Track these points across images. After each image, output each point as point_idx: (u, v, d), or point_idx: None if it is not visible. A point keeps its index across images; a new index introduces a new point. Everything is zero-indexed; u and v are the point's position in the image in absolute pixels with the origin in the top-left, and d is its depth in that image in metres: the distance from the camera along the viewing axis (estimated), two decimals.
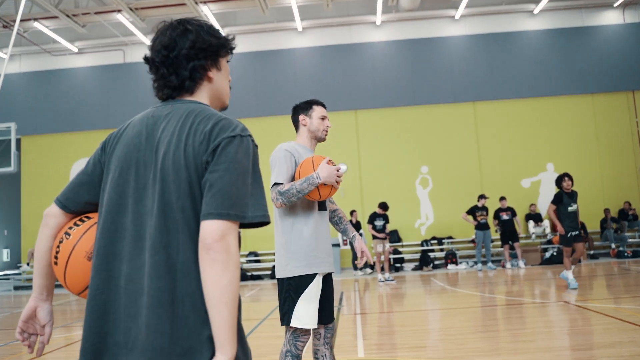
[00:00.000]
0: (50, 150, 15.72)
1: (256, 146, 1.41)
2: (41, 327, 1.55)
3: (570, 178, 8.15)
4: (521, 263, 12.79)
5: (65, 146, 15.68)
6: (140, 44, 15.90)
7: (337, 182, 2.83)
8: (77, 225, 1.51)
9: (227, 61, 1.58)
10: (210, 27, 1.53)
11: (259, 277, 14.08)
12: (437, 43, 15.19)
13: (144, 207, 1.37)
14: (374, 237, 11.23)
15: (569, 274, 8.27)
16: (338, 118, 15.01)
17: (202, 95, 1.51)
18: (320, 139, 3.11)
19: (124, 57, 15.86)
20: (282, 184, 2.85)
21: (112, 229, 1.38)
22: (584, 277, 9.84)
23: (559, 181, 8.16)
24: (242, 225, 1.35)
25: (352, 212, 13.33)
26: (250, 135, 1.39)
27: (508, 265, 12.75)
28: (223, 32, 1.64)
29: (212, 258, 1.25)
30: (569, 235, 8.10)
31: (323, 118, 3.09)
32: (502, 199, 12.94)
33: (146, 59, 1.51)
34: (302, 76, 15.10)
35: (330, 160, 2.87)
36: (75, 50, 15.88)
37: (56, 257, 1.49)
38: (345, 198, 14.72)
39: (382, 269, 12.03)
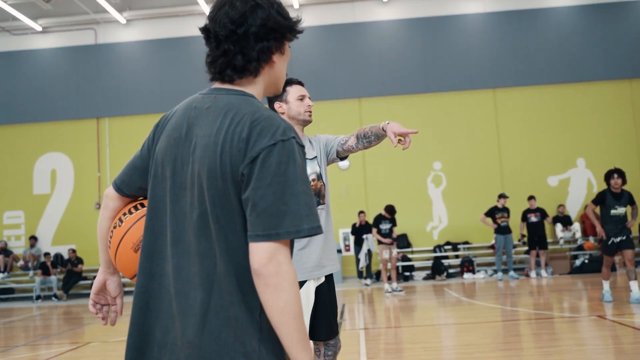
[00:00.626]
0: (10, 144, 15.70)
1: (302, 146, 1.43)
2: (112, 299, 1.77)
3: (621, 175, 7.83)
4: (547, 272, 12.74)
5: (28, 139, 15.65)
6: (113, 23, 15.85)
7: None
8: (130, 214, 1.67)
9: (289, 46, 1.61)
10: (280, 5, 1.56)
11: None
12: (452, 22, 15.19)
13: (180, 209, 1.46)
14: (380, 242, 11.28)
15: (605, 285, 8.19)
16: (339, 107, 15.05)
17: (262, 80, 1.55)
18: (305, 122, 3.12)
19: (96, 37, 15.81)
20: None
21: (154, 227, 1.50)
22: (619, 288, 9.81)
23: (607, 177, 7.98)
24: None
25: (359, 214, 13.29)
26: (294, 137, 1.41)
27: (533, 274, 12.71)
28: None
29: (264, 283, 1.33)
30: (610, 242, 7.89)
31: (301, 98, 3.10)
32: (531, 198, 12.93)
33: (206, 30, 1.52)
34: (297, 59, 15.11)
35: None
36: (39, 29, 15.82)
37: (109, 241, 1.69)
38: (348, 197, 14.73)
39: (389, 278, 12.04)
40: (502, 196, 12.64)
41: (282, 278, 1.32)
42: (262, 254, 1.33)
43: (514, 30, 15.04)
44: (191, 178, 1.45)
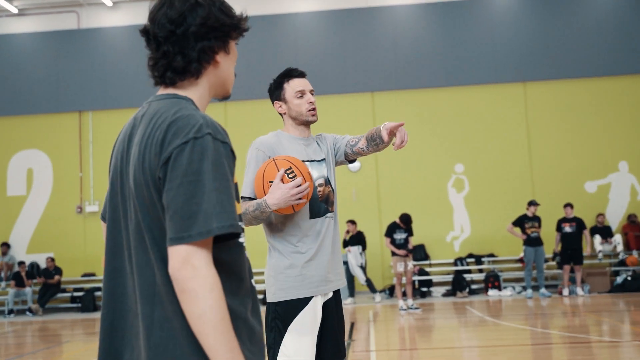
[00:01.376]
0: None
1: (223, 142, 1.50)
2: None
3: None
4: (583, 290, 12.66)
5: (2, 134, 15.72)
6: (98, 5, 15.91)
7: (302, 198, 2.84)
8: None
9: (236, 43, 1.72)
10: (223, 3, 1.66)
11: None
12: (477, 6, 15.18)
13: (128, 222, 1.58)
14: (393, 254, 11.29)
15: None
16: (350, 102, 15.06)
17: (206, 82, 1.66)
18: (309, 122, 3.12)
19: (78, 21, 15.87)
20: (246, 198, 2.97)
21: (112, 244, 1.62)
22: None
23: None
24: (224, 240, 1.49)
25: (347, 223, 13.35)
26: (210, 133, 1.48)
27: (567, 292, 12.66)
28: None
29: (180, 289, 1.40)
30: None
31: (301, 94, 3.09)
32: (568, 205, 12.87)
33: (146, 32, 1.63)
34: (304, 48, 15.16)
35: (289, 171, 2.85)
36: (15, 11, 15.89)
37: None
38: (358, 203, 14.73)
39: (404, 294, 12.01)
40: (532, 203, 12.59)
41: (197, 283, 1.39)
42: (175, 258, 1.41)
43: (547, 16, 14.99)
44: (129, 190, 1.57)
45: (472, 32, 15.04)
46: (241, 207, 2.90)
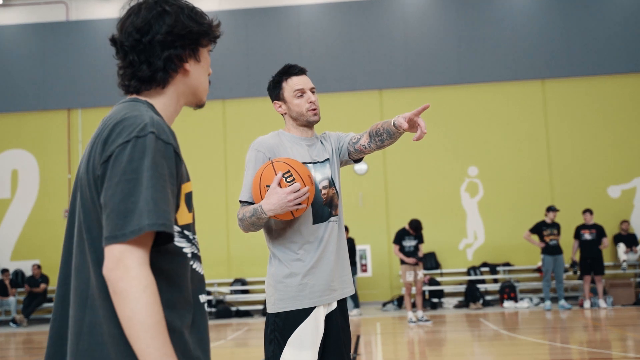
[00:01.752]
0: None
1: (166, 143, 1.55)
2: None
3: None
4: (606, 302, 12.57)
5: None
6: None
7: (302, 203, 2.85)
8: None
9: (210, 51, 1.79)
10: (193, 9, 1.73)
11: (247, 314, 14.18)
12: (494, 0, 15.19)
13: (75, 226, 1.65)
14: (402, 262, 11.29)
15: None
16: (356, 100, 15.06)
17: (173, 91, 1.73)
18: (311, 123, 3.13)
19: (67, 12, 15.86)
20: (246, 203, 3.00)
21: (65, 250, 1.67)
22: None
23: None
24: (161, 243, 1.53)
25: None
26: (153, 132, 1.53)
27: (588, 304, 12.59)
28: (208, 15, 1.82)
29: (112, 290, 1.45)
30: None
31: (301, 93, 3.10)
32: (587, 211, 12.82)
33: (113, 40, 1.73)
34: (308, 43, 15.18)
35: (287, 175, 2.86)
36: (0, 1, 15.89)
37: None
38: (365, 208, 14.72)
39: (414, 305, 12.00)
40: (551, 209, 12.54)
41: (129, 284, 1.43)
42: (109, 258, 1.45)
43: (569, 9, 14.98)
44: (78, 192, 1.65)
45: (488, 26, 15.04)
46: (239, 213, 2.97)
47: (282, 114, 3.18)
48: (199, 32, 1.71)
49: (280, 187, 2.83)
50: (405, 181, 14.83)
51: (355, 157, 3.23)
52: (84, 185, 1.59)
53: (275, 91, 3.17)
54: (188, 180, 1.67)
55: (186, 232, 1.64)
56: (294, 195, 2.80)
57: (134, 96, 1.72)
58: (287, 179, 2.84)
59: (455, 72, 14.99)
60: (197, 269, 1.69)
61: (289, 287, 2.94)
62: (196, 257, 1.70)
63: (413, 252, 11.21)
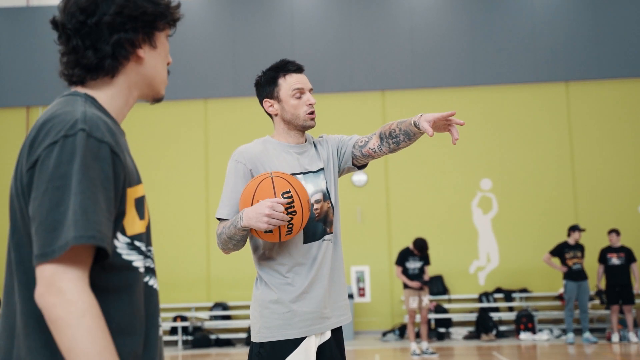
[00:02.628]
0: None
1: (100, 141, 1.51)
2: None
3: None
4: (638, 335, 12.52)
5: None
6: None
7: (292, 229, 2.84)
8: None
9: (169, 35, 1.77)
10: None
11: (229, 343, 14.09)
12: None
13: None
14: (405, 287, 11.27)
15: None
16: (356, 101, 15.03)
17: (124, 81, 1.70)
18: (305, 128, 3.12)
19: None
20: (220, 223, 3.01)
21: (5, 269, 1.63)
22: None
23: None
24: (101, 259, 1.49)
25: None
26: (84, 129, 1.50)
27: (616, 337, 12.51)
28: None
29: (47, 319, 1.42)
30: None
31: (300, 93, 3.08)
32: (613, 232, 12.75)
33: (54, 23, 1.68)
34: (301, 37, 15.18)
35: (287, 195, 2.82)
36: None
37: None
38: (364, 224, 14.66)
39: (418, 336, 11.93)
40: (575, 229, 12.47)
41: (65, 310, 1.39)
42: (40, 281, 1.42)
43: (594, 6, 15.01)
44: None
45: (506, 23, 15.07)
46: (217, 229, 3.00)
47: (272, 115, 3.14)
48: (155, 14, 1.68)
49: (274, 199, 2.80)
50: (409, 194, 14.78)
51: (361, 162, 3.20)
52: (13, 195, 1.56)
53: (267, 88, 3.12)
54: (138, 182, 1.63)
55: (137, 243, 1.60)
56: (272, 208, 2.72)
57: (74, 89, 1.69)
58: (285, 197, 2.81)
59: (467, 73, 15.01)
60: (152, 286, 1.67)
61: (276, 314, 2.93)
62: (151, 271, 1.67)
63: (418, 275, 11.17)
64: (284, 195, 2.80)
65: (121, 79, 1.69)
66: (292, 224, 2.82)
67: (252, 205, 2.83)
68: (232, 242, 2.93)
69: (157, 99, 1.80)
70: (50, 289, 1.40)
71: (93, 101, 1.64)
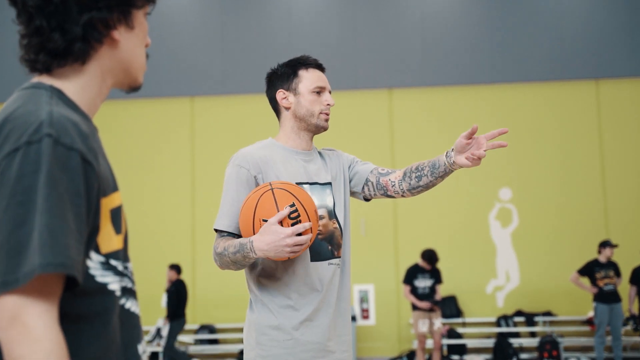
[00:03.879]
0: None
1: (69, 148, 1.45)
2: None
3: None
4: None
5: None
6: None
7: (298, 247, 2.81)
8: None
9: (147, 14, 1.72)
10: None
11: None
12: None
13: None
14: (415, 308, 11.33)
15: None
16: (360, 100, 15.06)
17: (97, 68, 1.63)
18: (319, 129, 3.16)
19: None
20: (218, 236, 3.01)
21: None
22: None
23: None
24: (72, 286, 1.44)
25: (171, 269, 12.98)
26: (50, 135, 1.43)
27: None
28: None
29: (6, 354, 1.37)
30: None
31: (319, 91, 3.14)
32: None
33: (14, 0, 1.60)
34: (300, 31, 15.24)
35: (293, 210, 2.81)
36: None
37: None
38: (368, 237, 14.61)
39: None
40: (606, 244, 12.30)
41: (28, 348, 1.35)
42: (2, 313, 1.37)
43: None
44: None
45: (527, 12, 15.09)
46: (217, 245, 2.95)
47: (282, 108, 3.16)
48: None
49: (281, 225, 2.76)
50: (419, 205, 14.61)
51: (371, 192, 3.22)
52: None
53: (286, 78, 3.14)
54: (114, 190, 1.57)
55: (113, 262, 1.55)
56: (294, 240, 2.70)
57: (38, 79, 1.61)
58: (291, 216, 2.78)
59: (483, 69, 15.04)
60: (130, 309, 1.62)
61: (276, 342, 2.93)
62: (129, 292, 1.63)
63: (428, 295, 11.19)
64: (290, 211, 2.78)
65: (93, 66, 1.63)
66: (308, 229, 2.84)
67: (253, 220, 2.82)
68: (235, 265, 2.92)
69: (134, 87, 1.75)
70: (14, 323, 1.36)
71: (60, 95, 1.57)
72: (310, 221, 2.83)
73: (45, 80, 1.61)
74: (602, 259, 12.25)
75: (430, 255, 11.28)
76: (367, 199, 3.31)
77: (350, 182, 3.25)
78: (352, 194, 3.30)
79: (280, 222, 2.77)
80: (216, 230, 3.01)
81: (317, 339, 2.98)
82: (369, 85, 15.18)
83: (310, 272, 3.00)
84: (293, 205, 2.80)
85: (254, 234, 2.83)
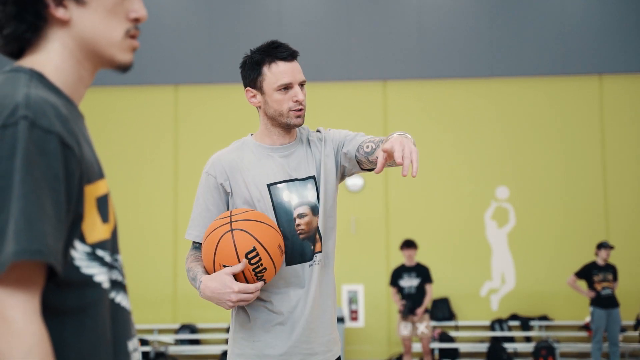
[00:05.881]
0: None
1: (46, 131, 1.44)
2: None
3: None
4: None
5: None
6: None
7: (242, 302, 2.90)
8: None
9: None
10: None
11: None
12: None
13: None
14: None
15: None
16: (354, 91, 15.06)
17: (58, 48, 1.60)
18: (290, 127, 3.10)
19: None
20: (192, 246, 3.14)
21: None
22: None
23: None
24: (49, 277, 1.43)
25: None
26: (26, 117, 1.42)
27: None
28: None
29: None
30: None
31: (287, 87, 3.05)
32: None
33: None
34: (291, 18, 15.20)
35: (252, 256, 2.86)
36: None
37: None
38: (358, 236, 14.61)
39: None
40: (603, 246, 12.33)
41: (9, 343, 1.34)
42: None
43: None
44: None
45: (529, 9, 15.11)
46: (187, 258, 3.11)
47: (256, 107, 3.15)
48: None
49: (234, 277, 2.83)
50: (412, 203, 14.75)
51: (370, 167, 3.10)
52: None
53: (251, 75, 3.09)
54: (100, 177, 1.56)
55: (100, 253, 1.53)
56: (239, 297, 2.79)
57: (17, 64, 1.59)
58: (252, 262, 2.83)
59: (481, 62, 15.01)
60: (120, 304, 1.61)
61: (248, 343, 3.01)
62: (118, 285, 1.61)
63: (415, 295, 11.15)
64: (249, 256, 2.81)
65: (58, 47, 1.59)
66: (263, 279, 2.88)
67: (214, 263, 2.89)
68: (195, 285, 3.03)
69: (117, 67, 1.66)
70: None
71: (41, 78, 1.55)
72: (272, 260, 2.86)
73: (26, 63, 1.60)
74: (600, 261, 12.29)
75: (405, 242, 11.34)
76: (370, 169, 3.15)
77: (345, 163, 3.19)
78: (355, 172, 3.24)
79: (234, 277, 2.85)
80: (188, 238, 3.13)
81: (290, 341, 3.01)
82: (363, 77, 15.13)
83: (290, 273, 3.03)
84: (254, 249, 2.84)
85: (214, 270, 2.90)
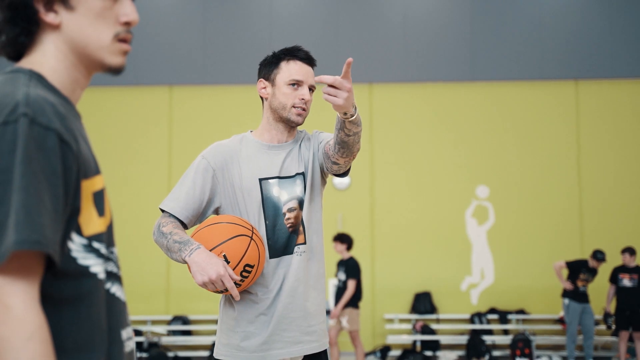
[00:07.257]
0: None
1: (46, 128, 1.45)
2: None
3: None
4: None
5: None
6: None
7: (212, 287, 2.89)
8: None
9: None
10: None
11: None
12: None
13: None
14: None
15: None
16: None
17: (57, 51, 1.61)
18: (290, 122, 3.13)
19: None
20: (167, 215, 3.09)
21: None
22: None
23: None
24: (52, 266, 1.45)
25: None
26: (26, 114, 1.44)
27: None
28: None
29: None
30: None
31: (296, 84, 3.11)
32: (627, 251, 12.67)
33: None
34: (281, 22, 15.14)
35: (247, 269, 2.91)
36: None
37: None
38: (344, 231, 14.32)
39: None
40: (598, 257, 12.31)
41: (9, 329, 1.35)
42: None
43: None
44: None
45: (509, 14, 15.08)
46: (164, 223, 3.06)
47: (262, 98, 3.18)
48: None
49: (231, 271, 2.83)
50: (396, 201, 14.76)
51: (330, 167, 3.14)
52: None
53: (268, 68, 3.15)
54: (96, 173, 1.58)
55: (96, 245, 1.55)
56: (219, 279, 2.78)
57: (18, 65, 1.62)
58: (246, 269, 2.90)
59: (464, 66, 14.99)
60: (115, 294, 1.63)
61: (233, 333, 3.03)
62: (113, 277, 1.64)
63: (341, 290, 11.13)
64: (246, 268, 2.87)
65: (52, 50, 1.61)
66: (239, 284, 2.90)
67: (238, 263, 2.89)
68: (166, 251, 3.03)
69: (109, 70, 1.67)
70: None
71: (40, 79, 1.57)
72: (254, 277, 2.95)
73: (25, 65, 1.62)
74: (591, 264, 12.34)
75: (341, 237, 11.26)
76: (339, 175, 3.22)
77: (322, 159, 3.18)
78: (329, 170, 3.21)
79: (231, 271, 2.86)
80: (162, 210, 3.10)
81: (269, 330, 3.02)
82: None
83: (273, 265, 3.05)
84: (253, 266, 2.92)
85: (209, 251, 2.89)
